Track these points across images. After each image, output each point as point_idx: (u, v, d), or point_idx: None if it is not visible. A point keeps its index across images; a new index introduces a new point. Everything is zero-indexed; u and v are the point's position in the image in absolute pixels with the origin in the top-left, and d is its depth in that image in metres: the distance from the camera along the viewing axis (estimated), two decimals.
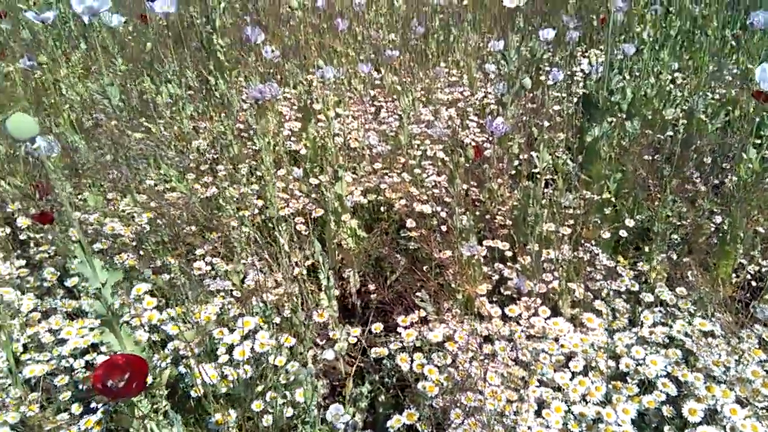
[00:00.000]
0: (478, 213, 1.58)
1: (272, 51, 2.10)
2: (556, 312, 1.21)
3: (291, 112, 2.05)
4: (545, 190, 1.41)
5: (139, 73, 2.00)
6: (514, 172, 1.71)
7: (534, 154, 1.52)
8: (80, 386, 0.95)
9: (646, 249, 1.32)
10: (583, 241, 1.33)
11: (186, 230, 1.33)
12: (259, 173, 1.64)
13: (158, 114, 1.73)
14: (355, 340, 1.21)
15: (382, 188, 1.68)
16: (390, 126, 2.03)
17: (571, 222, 1.40)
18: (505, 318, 1.19)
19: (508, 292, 1.30)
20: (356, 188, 1.69)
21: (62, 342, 1.06)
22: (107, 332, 0.71)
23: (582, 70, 2.33)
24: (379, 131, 1.99)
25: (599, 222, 1.40)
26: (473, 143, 1.87)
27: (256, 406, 0.86)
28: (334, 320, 1.32)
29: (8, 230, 1.43)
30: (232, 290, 1.24)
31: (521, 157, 1.77)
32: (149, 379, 0.67)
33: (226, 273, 1.22)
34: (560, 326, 1.10)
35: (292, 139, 1.91)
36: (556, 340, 1.07)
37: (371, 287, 1.53)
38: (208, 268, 1.30)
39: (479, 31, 2.65)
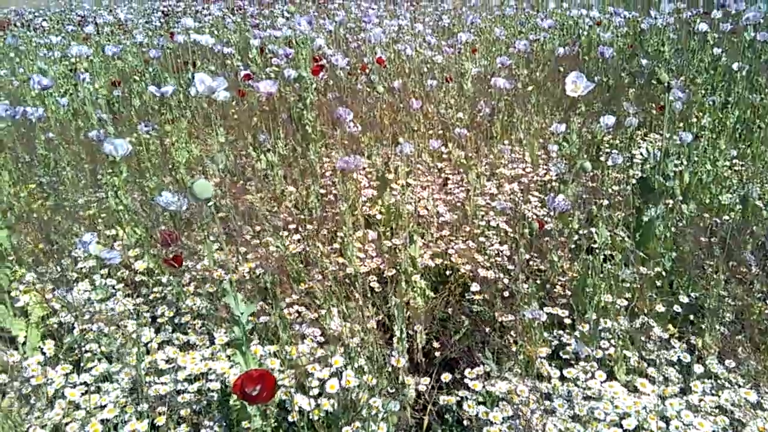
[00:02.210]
0: (539, 281, 1.70)
1: (355, 126, 2.34)
2: (611, 377, 1.31)
3: (366, 180, 2.27)
4: (604, 265, 1.53)
5: (239, 141, 2.28)
6: (573, 246, 1.83)
7: (593, 230, 1.65)
8: (194, 407, 1.12)
9: (699, 324, 1.41)
10: (638, 312, 1.44)
11: (278, 280, 1.52)
12: (340, 234, 1.83)
13: (257, 178, 1.98)
14: (424, 388, 1.33)
15: (449, 253, 1.83)
16: (456, 197, 2.21)
17: (628, 295, 1.51)
18: (563, 379, 1.30)
19: (567, 357, 1.41)
20: (425, 252, 1.85)
21: (177, 369, 1.24)
22: (238, 354, 0.88)
23: (641, 153, 2.46)
24: (446, 201, 2.17)
25: (654, 296, 1.50)
26: (534, 217, 2.01)
27: (346, 431, 1.01)
28: (404, 371, 1.45)
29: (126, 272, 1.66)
30: (316, 336, 1.41)
31: (581, 232, 1.90)
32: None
33: (314, 320, 1.39)
34: (615, 389, 1.20)
35: (367, 204, 2.12)
36: (611, 401, 1.17)
37: (436, 345, 1.66)
38: (296, 315, 1.48)
39: (542, 113, 2.84)
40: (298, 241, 1.78)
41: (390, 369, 1.44)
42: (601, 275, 1.45)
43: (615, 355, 1.31)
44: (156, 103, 2.93)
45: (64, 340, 1.36)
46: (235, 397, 0.98)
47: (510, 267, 1.73)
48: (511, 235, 1.97)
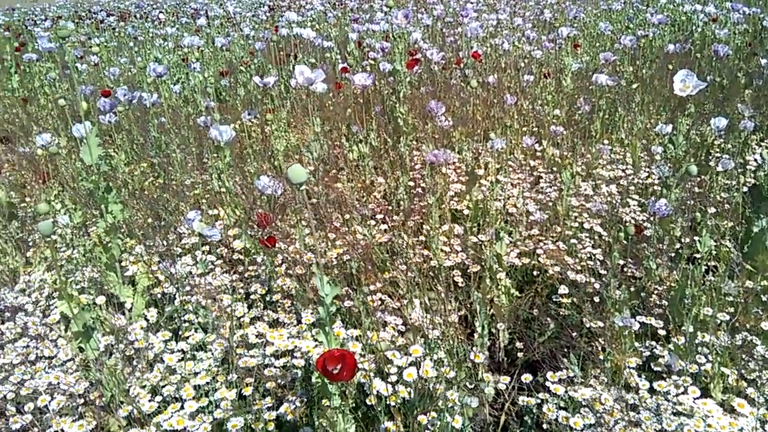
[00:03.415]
0: (633, 289, 1.63)
1: (446, 120, 2.34)
2: (706, 394, 1.23)
3: (455, 175, 2.26)
4: (706, 276, 1.44)
5: (333, 131, 2.34)
6: (674, 254, 1.73)
7: (697, 238, 1.55)
8: (280, 381, 1.17)
9: None
10: (740, 328, 1.34)
11: (363, 267, 1.56)
12: (426, 227, 1.84)
13: (348, 168, 2.03)
14: (503, 387, 1.32)
15: (538, 254, 1.79)
16: (548, 196, 2.16)
17: (731, 309, 1.40)
18: (652, 392, 1.24)
19: (658, 369, 1.34)
20: (512, 250, 1.82)
21: (266, 344, 1.31)
22: (321, 333, 0.91)
23: (755, 160, 2.28)
24: (537, 200, 2.12)
25: (760, 313, 1.39)
26: (632, 221, 1.92)
27: (421, 420, 1.02)
28: (484, 367, 1.44)
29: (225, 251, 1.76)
30: (397, 325, 1.43)
31: (683, 240, 1.79)
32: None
33: (396, 309, 1.41)
34: (709, 407, 1.13)
35: (455, 199, 2.11)
36: (704, 419, 1.10)
37: (519, 345, 1.63)
38: (379, 302, 1.51)
39: (647, 112, 2.69)
40: (385, 231, 1.81)
41: (470, 365, 1.43)
42: (702, 286, 1.36)
43: (711, 371, 1.23)
44: (259, 93, 3.07)
45: (166, 309, 1.46)
46: (317, 374, 1.02)
47: (602, 272, 1.67)
48: (606, 238, 1.89)
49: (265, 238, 1.30)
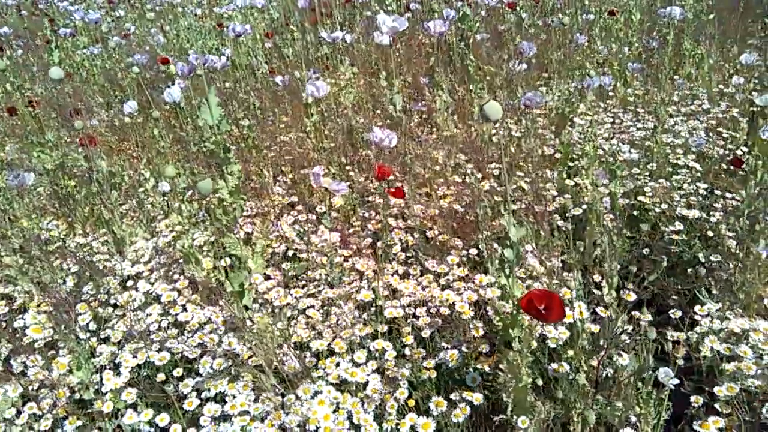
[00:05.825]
0: None
1: (518, 64, 2.27)
2: None
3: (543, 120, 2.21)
4: None
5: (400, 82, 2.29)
6: None
7: None
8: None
9: None
10: None
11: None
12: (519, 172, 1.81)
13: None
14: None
15: (642, 192, 1.75)
16: (631, 135, 2.12)
17: None
18: None
19: None
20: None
21: (400, 295, 1.30)
22: (502, 276, 0.90)
23: None
24: (622, 139, 2.08)
25: None
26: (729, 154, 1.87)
27: (592, 362, 1.02)
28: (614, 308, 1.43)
29: None
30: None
31: None
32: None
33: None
34: None
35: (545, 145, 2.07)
36: None
37: (629, 286, 1.62)
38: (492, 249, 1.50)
39: (721, 45, 2.60)
40: (481, 179, 1.78)
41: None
42: None
43: None
44: (309, 54, 3.01)
45: (287, 268, 1.45)
46: (498, 318, 1.02)
47: (716, 205, 1.63)
48: (697, 173, 1.86)
49: (393, 190, 1.28)
